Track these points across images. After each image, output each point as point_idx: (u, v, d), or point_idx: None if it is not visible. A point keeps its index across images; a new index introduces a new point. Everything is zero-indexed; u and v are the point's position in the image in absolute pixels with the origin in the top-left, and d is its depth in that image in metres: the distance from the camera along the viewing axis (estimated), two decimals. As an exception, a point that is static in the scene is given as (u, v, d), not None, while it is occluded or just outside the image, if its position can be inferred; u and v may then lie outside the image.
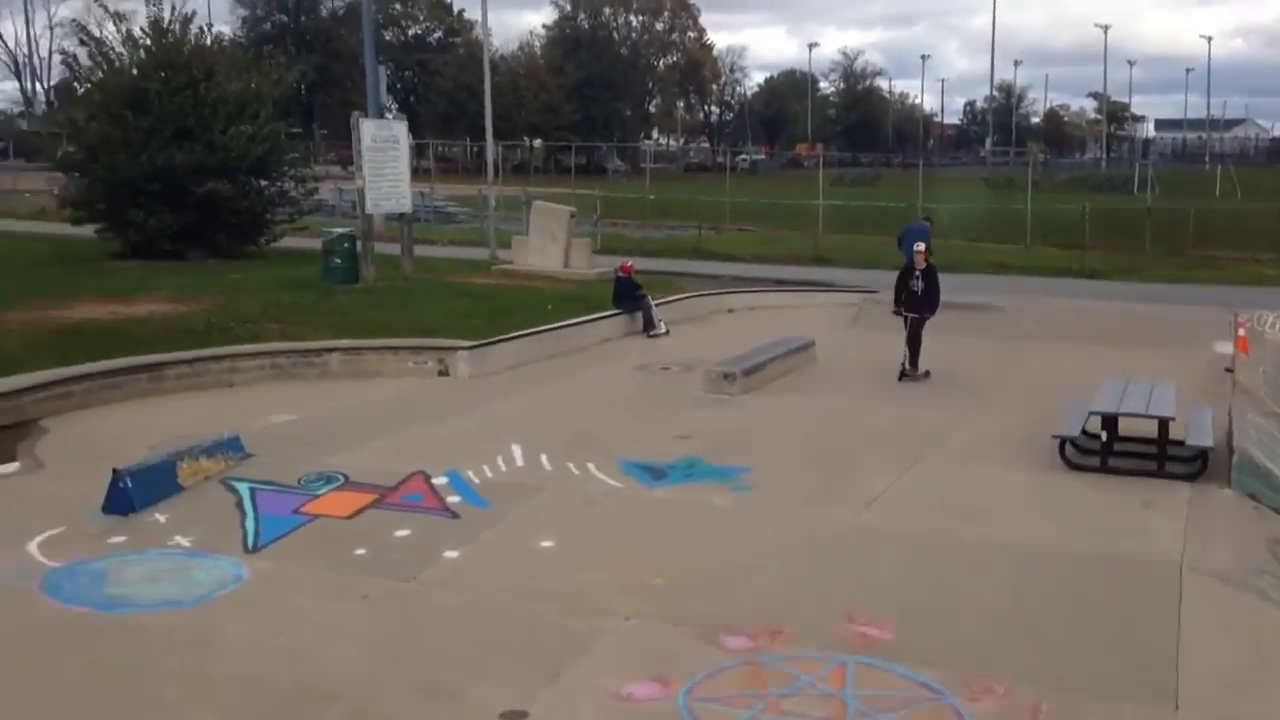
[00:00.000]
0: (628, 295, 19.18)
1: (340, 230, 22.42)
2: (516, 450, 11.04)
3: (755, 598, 7.74)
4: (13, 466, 10.46)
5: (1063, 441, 10.82)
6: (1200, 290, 23.46)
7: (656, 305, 19.37)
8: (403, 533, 8.90)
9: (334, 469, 10.19)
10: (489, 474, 10.31)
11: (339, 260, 21.21)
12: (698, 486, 10.21)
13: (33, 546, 8.31)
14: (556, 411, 13.16)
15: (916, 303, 14.67)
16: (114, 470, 9.15)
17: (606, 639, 7.11)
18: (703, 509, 9.63)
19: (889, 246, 22.89)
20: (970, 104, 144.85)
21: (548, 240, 24.66)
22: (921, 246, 15.26)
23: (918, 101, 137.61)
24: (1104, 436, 10.82)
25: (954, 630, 7.22)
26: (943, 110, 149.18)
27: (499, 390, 14.11)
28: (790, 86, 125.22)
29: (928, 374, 14.70)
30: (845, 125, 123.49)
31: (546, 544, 8.75)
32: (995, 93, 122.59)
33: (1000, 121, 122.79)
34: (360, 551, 8.51)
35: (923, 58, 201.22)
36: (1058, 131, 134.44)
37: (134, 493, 9.09)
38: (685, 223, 35.32)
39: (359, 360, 14.97)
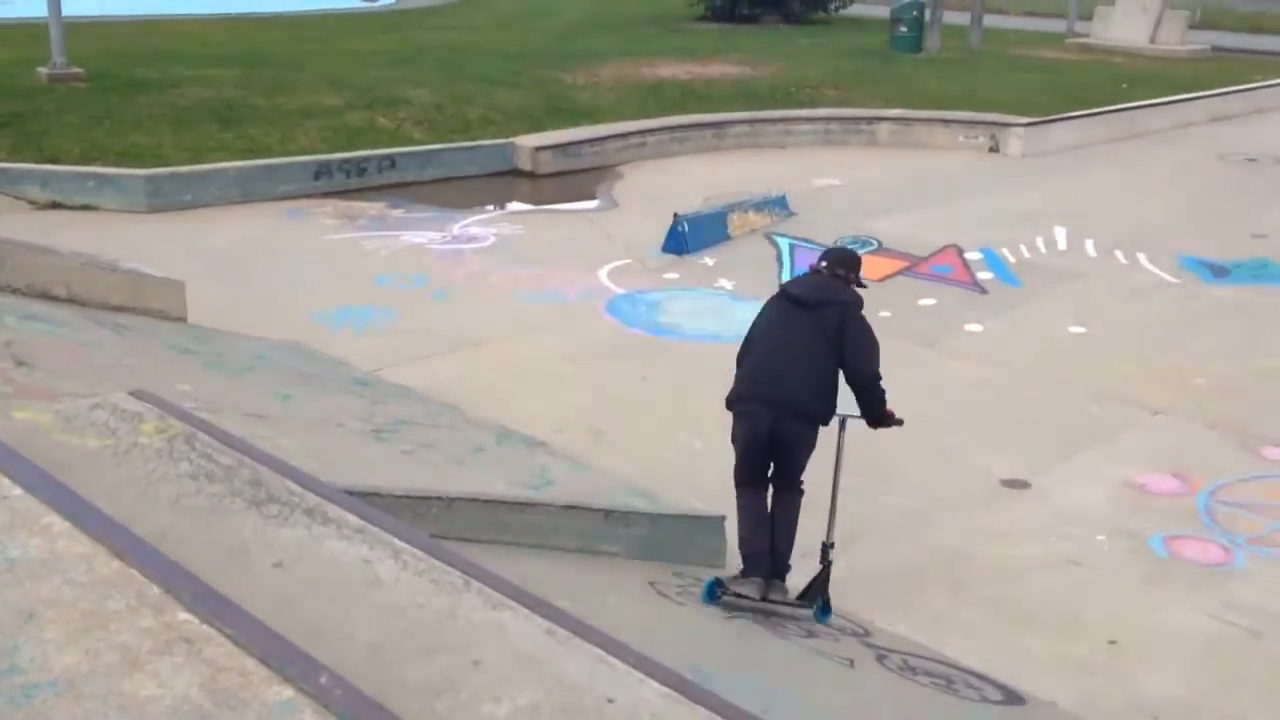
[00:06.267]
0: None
1: (909, -2, 21.91)
2: (1060, 234, 10.52)
3: (1314, 415, 6.95)
4: (593, 204, 11.86)
5: None
6: None
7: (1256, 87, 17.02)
8: (928, 301, 8.97)
9: (869, 234, 10.38)
10: (1026, 254, 9.96)
11: (905, 29, 20.88)
12: (1266, 289, 9.17)
13: (603, 273, 9.47)
14: (1111, 198, 12.25)
15: None
16: (675, 215, 10.07)
17: (1129, 430, 6.81)
18: (1268, 313, 8.66)
19: None
20: None
21: (1136, 11, 22.32)
22: None
23: None
24: None
25: None
26: None
27: (1051, 171, 13.36)
28: None
29: None
30: None
31: (1077, 329, 8.40)
32: None
33: None
34: (885, 314, 8.66)
35: None
36: None
37: (689, 236, 9.97)
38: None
39: (908, 131, 14.84)
